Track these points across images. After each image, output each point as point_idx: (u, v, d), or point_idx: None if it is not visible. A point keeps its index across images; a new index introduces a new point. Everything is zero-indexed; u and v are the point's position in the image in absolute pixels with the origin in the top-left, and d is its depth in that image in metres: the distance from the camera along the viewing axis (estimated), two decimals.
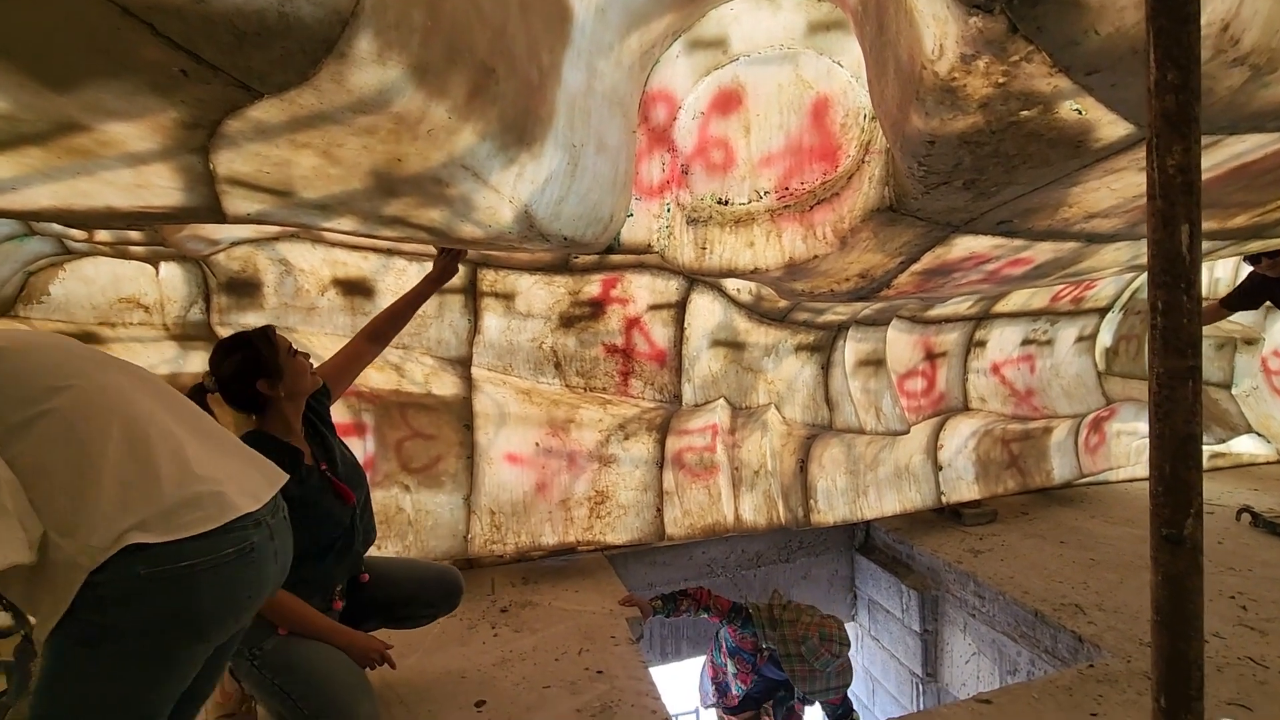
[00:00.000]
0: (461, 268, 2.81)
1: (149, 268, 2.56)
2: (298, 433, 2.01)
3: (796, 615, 2.79)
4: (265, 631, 1.90)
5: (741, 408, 3.24)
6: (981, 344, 3.66)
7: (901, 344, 3.47)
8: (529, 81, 1.53)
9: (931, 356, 3.59)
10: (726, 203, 2.09)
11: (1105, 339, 4.01)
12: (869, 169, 1.77)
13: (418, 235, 1.84)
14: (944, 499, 3.75)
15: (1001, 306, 3.53)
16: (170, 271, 2.59)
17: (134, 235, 2.26)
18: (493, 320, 2.90)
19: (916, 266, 2.06)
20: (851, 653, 4.37)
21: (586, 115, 1.75)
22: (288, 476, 1.59)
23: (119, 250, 2.37)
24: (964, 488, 3.80)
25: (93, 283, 2.52)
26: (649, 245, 2.20)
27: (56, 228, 2.16)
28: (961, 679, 3.42)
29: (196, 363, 2.78)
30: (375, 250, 2.69)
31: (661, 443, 3.35)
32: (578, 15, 1.64)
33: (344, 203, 1.62)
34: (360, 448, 3.05)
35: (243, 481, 1.43)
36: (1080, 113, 1.28)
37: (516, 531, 3.22)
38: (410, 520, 3.14)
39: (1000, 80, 1.16)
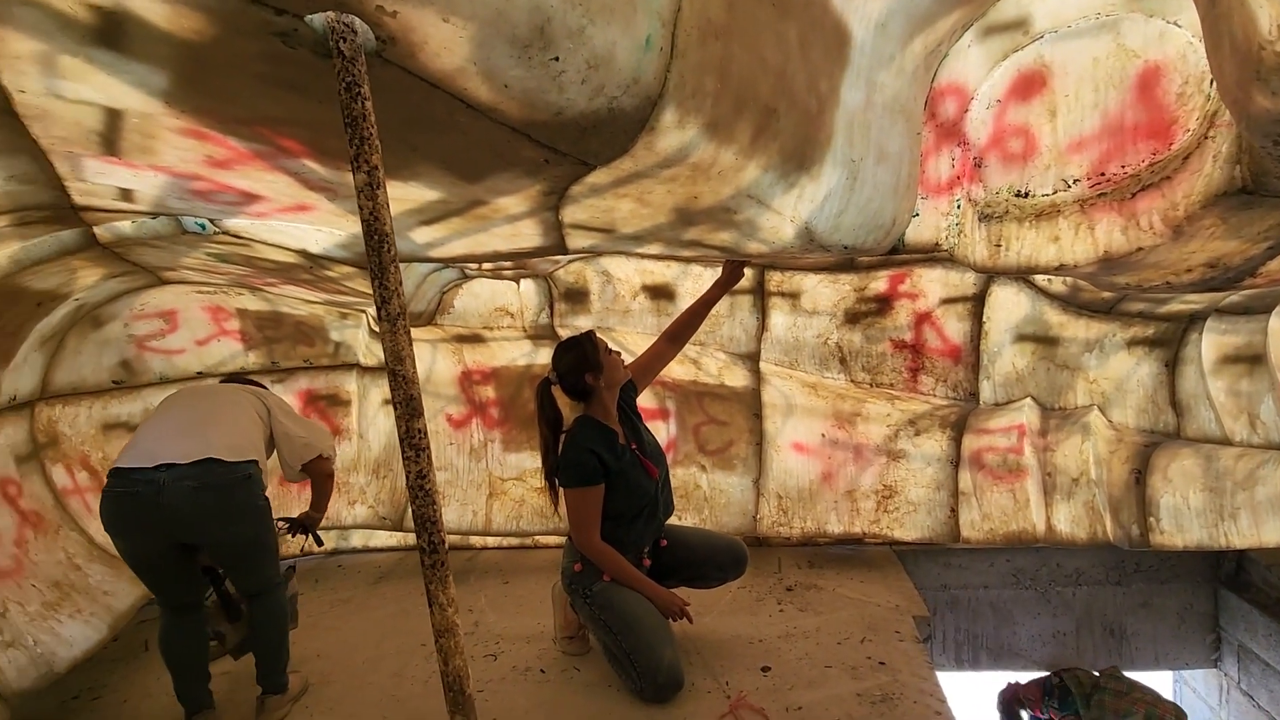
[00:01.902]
0: (749, 270, 3.06)
1: (514, 284, 3.31)
2: (614, 417, 2.45)
3: (1127, 689, 2.44)
4: (594, 577, 2.40)
5: (1054, 408, 2.92)
6: None
7: None
8: (808, 112, 1.67)
9: None
10: (1026, 195, 1.94)
11: None
12: (1213, 145, 1.50)
13: (711, 253, 2.12)
14: None
15: None
16: (527, 286, 3.31)
17: (507, 262, 2.96)
18: (779, 318, 3.08)
19: None
20: (1213, 705, 3.62)
21: (866, 129, 1.82)
22: (218, 461, 2.12)
23: (495, 273, 3.13)
24: None
25: (479, 297, 3.36)
26: (936, 244, 2.15)
27: None
28: None
29: (543, 355, 3.50)
30: (676, 259, 3.07)
31: (957, 441, 3.18)
32: (857, 37, 1.71)
33: (652, 233, 1.96)
34: (664, 430, 3.52)
35: (160, 452, 2.09)
36: None
37: (802, 517, 3.39)
38: (706, 497, 3.52)
39: None
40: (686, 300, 3.20)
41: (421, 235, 2.00)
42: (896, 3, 1.71)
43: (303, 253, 2.21)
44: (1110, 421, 2.88)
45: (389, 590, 3.48)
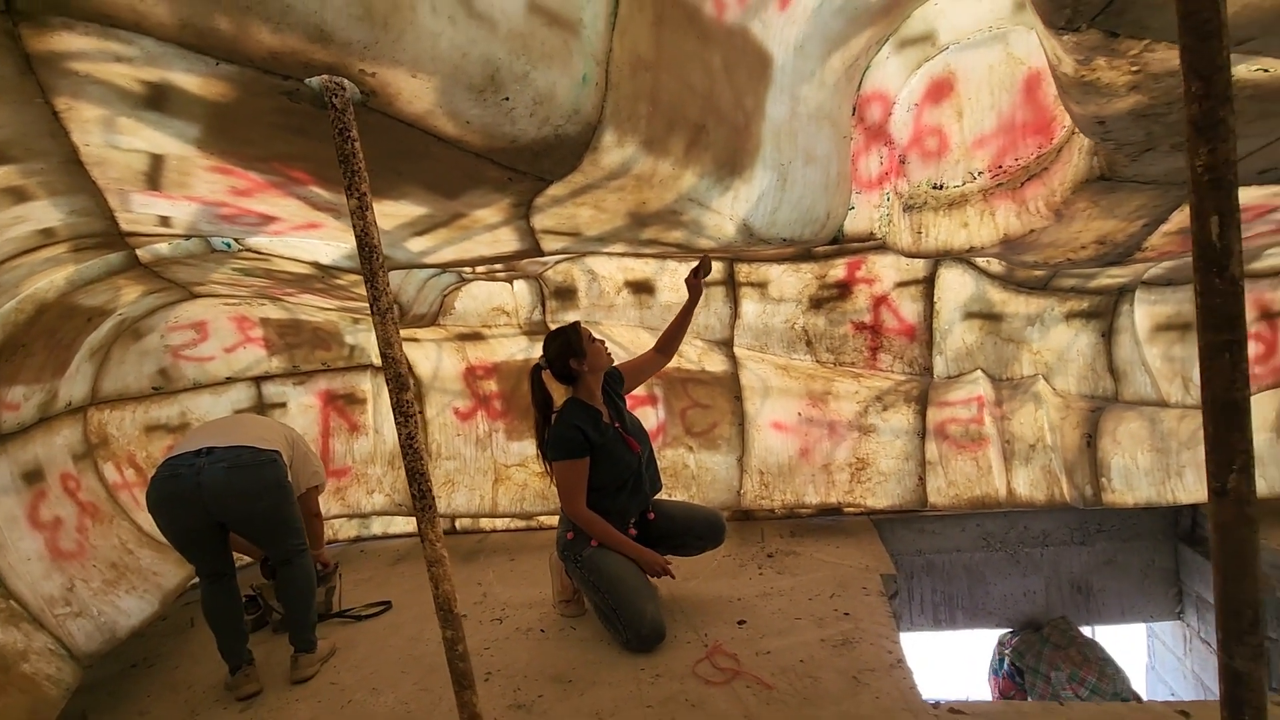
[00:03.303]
0: (719, 263, 3.33)
1: (508, 285, 3.61)
2: (598, 399, 2.74)
3: (1066, 643, 2.62)
4: (583, 544, 2.69)
5: (1003, 379, 3.15)
6: None
7: None
8: (736, 125, 1.94)
9: (1269, 316, 2.94)
10: (941, 187, 2.20)
11: None
12: (1078, 140, 1.75)
13: (669, 250, 2.40)
14: None
15: None
16: (520, 286, 3.61)
17: (498, 265, 3.25)
18: (750, 306, 3.35)
19: (1167, 227, 1.91)
20: (1180, 655, 3.83)
21: (792, 136, 2.08)
22: (248, 447, 2.54)
23: (489, 275, 3.43)
24: None
25: (477, 298, 3.67)
26: (871, 233, 2.41)
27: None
28: None
29: (539, 349, 3.78)
30: (654, 256, 3.35)
31: (921, 414, 3.43)
32: (777, 58, 1.98)
33: (614, 235, 2.24)
34: (653, 415, 3.80)
35: (201, 442, 2.51)
36: (1267, 71, 1.24)
37: (783, 490, 3.65)
38: (694, 475, 3.79)
39: (1133, 69, 1.22)
40: (666, 294, 3.48)
41: (415, 245, 2.31)
42: (812, 26, 1.98)
43: (315, 264, 2.52)
44: (1055, 389, 3.11)
45: (406, 569, 3.80)
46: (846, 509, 3.63)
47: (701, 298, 3.42)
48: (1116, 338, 2.97)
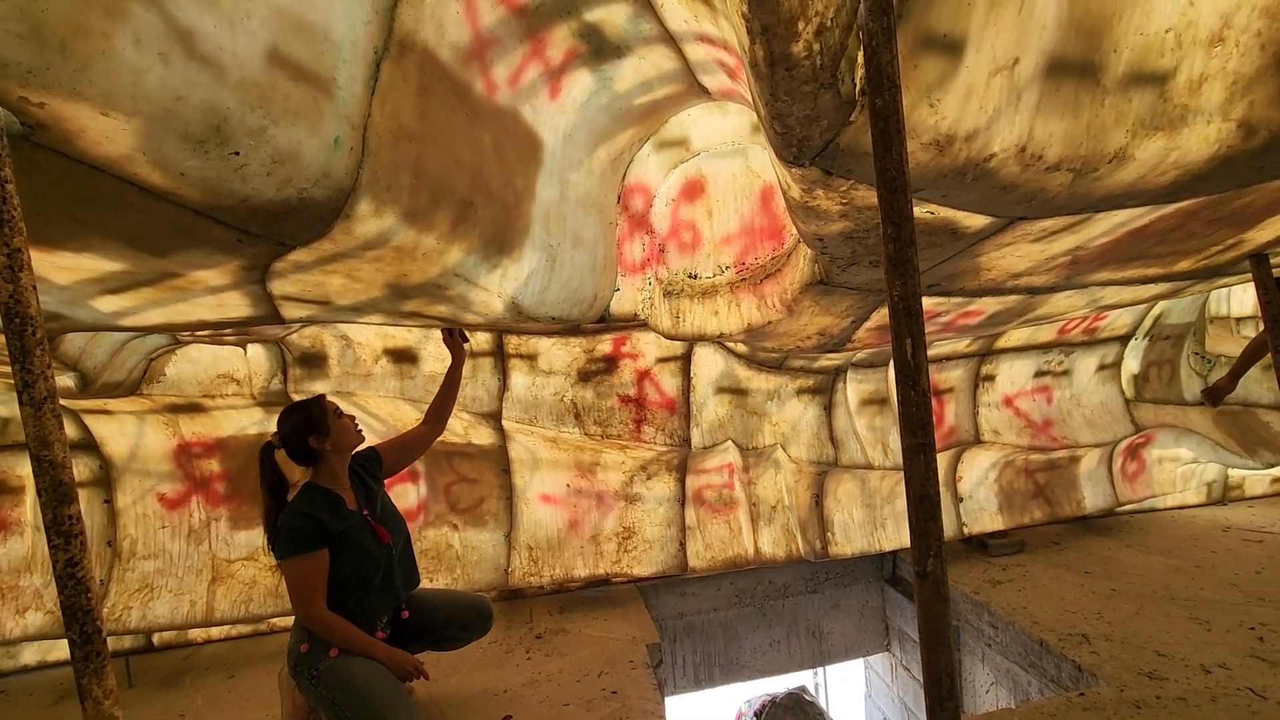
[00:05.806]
0: (489, 334, 3.25)
1: (239, 349, 3.12)
2: (343, 482, 2.43)
3: (795, 704, 2.84)
4: (321, 654, 2.31)
5: (749, 448, 3.49)
6: (990, 378, 3.76)
7: None
8: (505, 204, 1.92)
9: (938, 393, 3.72)
10: (696, 277, 2.41)
11: (1132, 366, 3.99)
12: (803, 249, 2.05)
13: (433, 323, 2.26)
14: (965, 530, 3.82)
15: (1004, 342, 3.63)
16: (255, 351, 3.14)
17: (226, 329, 2.80)
18: (519, 378, 3.30)
19: (869, 324, 2.29)
20: (889, 682, 4.44)
21: (562, 219, 2.12)
22: None
23: (215, 338, 2.93)
24: (987, 519, 3.85)
25: (197, 363, 3.11)
26: (635, 315, 2.54)
27: None
28: (983, 708, 3.46)
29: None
30: (418, 326, 3.15)
31: (682, 481, 3.63)
32: (548, 144, 2.02)
33: (370, 305, 2.05)
34: (414, 492, 3.50)
35: None
36: (933, 214, 1.54)
37: (552, 565, 3.57)
38: (458, 555, 3.54)
39: (843, 201, 1.44)
40: (430, 363, 3.29)
41: (107, 304, 1.87)
42: (580, 119, 2.06)
43: None
44: (791, 456, 3.53)
45: (74, 710, 2.94)
46: (614, 579, 3.66)
47: (466, 363, 3.30)
48: (834, 411, 3.47)
